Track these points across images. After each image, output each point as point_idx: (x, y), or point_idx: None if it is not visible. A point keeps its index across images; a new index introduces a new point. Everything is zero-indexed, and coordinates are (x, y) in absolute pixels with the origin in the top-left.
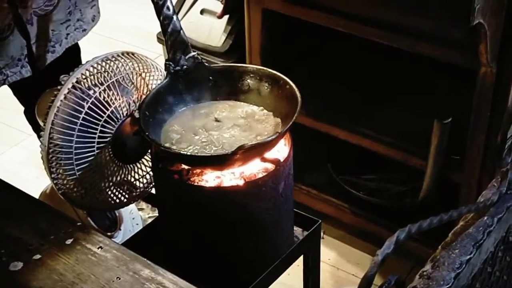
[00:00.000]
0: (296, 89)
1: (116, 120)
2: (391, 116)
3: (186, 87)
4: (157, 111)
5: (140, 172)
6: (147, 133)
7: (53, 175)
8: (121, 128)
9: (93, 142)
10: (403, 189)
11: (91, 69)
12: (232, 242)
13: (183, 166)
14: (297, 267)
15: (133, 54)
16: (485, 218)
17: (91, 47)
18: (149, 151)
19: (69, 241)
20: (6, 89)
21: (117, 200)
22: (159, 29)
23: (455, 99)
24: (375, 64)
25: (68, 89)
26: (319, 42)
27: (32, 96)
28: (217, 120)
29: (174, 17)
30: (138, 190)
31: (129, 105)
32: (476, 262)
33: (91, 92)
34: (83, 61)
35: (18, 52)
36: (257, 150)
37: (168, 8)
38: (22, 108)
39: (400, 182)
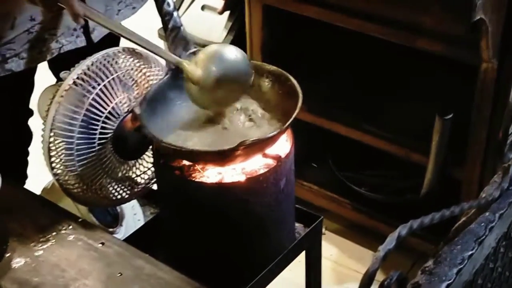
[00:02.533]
0: (297, 85)
1: (117, 116)
2: (392, 112)
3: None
4: (158, 107)
5: (141, 168)
6: (148, 129)
7: (54, 171)
8: (122, 124)
9: (94, 138)
10: (405, 185)
11: (92, 65)
12: (234, 238)
13: (184, 162)
14: (299, 263)
15: (134, 50)
16: (487, 214)
17: None
18: (150, 147)
19: (71, 237)
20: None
21: (119, 196)
22: (160, 25)
23: (456, 95)
24: (376, 60)
25: (69, 85)
26: (320, 38)
27: (67, 69)
28: (218, 116)
29: (175, 13)
30: (140, 186)
31: (130, 101)
32: (478, 258)
33: (92, 88)
34: (84, 58)
35: (73, 22)
36: (258, 146)
37: (168, 4)
38: None
39: (402, 178)
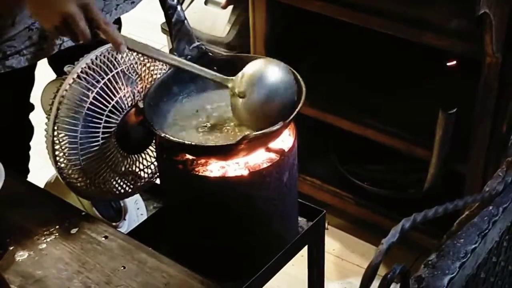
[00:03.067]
0: (300, 79)
1: (121, 110)
2: (395, 107)
3: (190, 77)
4: (161, 101)
5: (144, 162)
6: (151, 123)
7: (58, 165)
8: (126, 118)
9: (98, 132)
10: (408, 180)
11: (96, 59)
12: (236, 232)
13: (188, 156)
14: (302, 257)
15: None
16: (490, 207)
17: None
18: (154, 141)
19: (74, 231)
20: None
21: (122, 190)
22: (164, 19)
23: (460, 89)
24: (379, 54)
25: (73, 79)
26: (324, 32)
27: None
28: (222, 110)
29: (178, 7)
30: (143, 180)
31: (133, 95)
32: (481, 251)
33: (96, 82)
34: (87, 53)
35: None
36: (261, 140)
37: None
38: None
39: (405, 173)
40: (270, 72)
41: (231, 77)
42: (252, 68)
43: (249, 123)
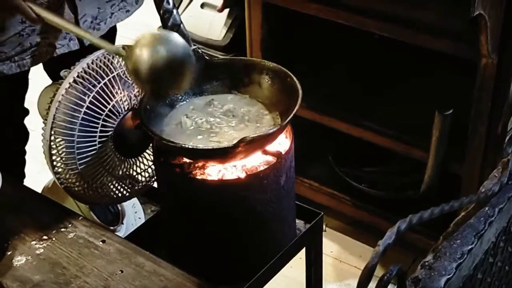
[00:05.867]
0: (297, 82)
1: (117, 114)
2: (392, 108)
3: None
4: (158, 104)
5: (142, 166)
6: (148, 127)
7: (55, 170)
8: (123, 122)
9: (95, 136)
10: (405, 181)
11: (92, 63)
12: (234, 235)
13: (185, 159)
14: (300, 259)
15: None
16: (486, 208)
17: None
18: (151, 145)
19: (71, 235)
20: None
21: (119, 194)
22: (160, 23)
23: (456, 90)
24: (375, 57)
25: (70, 83)
26: (320, 35)
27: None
28: (218, 113)
29: (174, 11)
30: (140, 184)
31: (130, 99)
32: (477, 252)
33: (92, 86)
34: (78, 59)
35: None
36: (258, 143)
37: (168, 2)
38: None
39: (402, 174)
40: (163, 38)
41: (125, 46)
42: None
43: (148, 88)
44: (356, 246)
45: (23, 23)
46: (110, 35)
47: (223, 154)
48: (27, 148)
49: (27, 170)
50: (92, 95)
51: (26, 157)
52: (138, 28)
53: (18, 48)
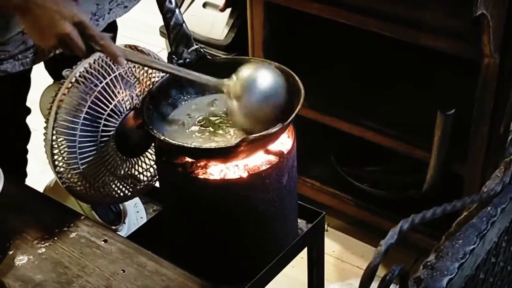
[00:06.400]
0: (299, 81)
1: (119, 114)
2: (394, 108)
3: (189, 80)
4: (160, 104)
5: (144, 165)
6: (150, 127)
7: (57, 169)
8: (125, 122)
9: (97, 136)
10: (407, 181)
11: (94, 63)
12: (236, 235)
13: (187, 159)
14: (301, 259)
15: (136, 47)
16: (489, 208)
17: None
18: (153, 144)
19: (73, 235)
20: None
21: (121, 194)
22: (162, 23)
23: (458, 90)
24: (377, 56)
25: (71, 83)
26: (322, 34)
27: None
28: (220, 113)
29: (177, 10)
30: (142, 184)
31: (132, 98)
32: (480, 252)
33: (94, 86)
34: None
35: None
36: (260, 142)
37: (170, 1)
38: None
39: (404, 174)
40: (263, 74)
41: (225, 81)
42: (246, 71)
43: (246, 125)
44: (358, 246)
45: None
46: (111, 32)
47: (225, 154)
48: (29, 147)
49: (29, 169)
50: (94, 94)
51: (28, 156)
52: (140, 27)
53: (22, 46)
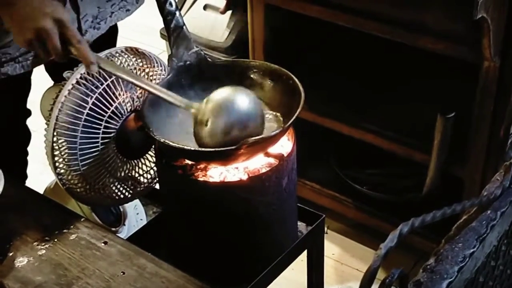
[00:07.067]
0: (299, 84)
1: (120, 116)
2: (394, 111)
3: (189, 82)
4: (160, 106)
5: (144, 167)
6: (151, 129)
7: (57, 171)
8: (125, 124)
9: (97, 138)
10: (407, 184)
11: None
12: (236, 237)
13: (187, 161)
14: (301, 262)
15: (136, 49)
16: (488, 212)
17: None
18: (153, 146)
19: (73, 236)
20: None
21: (121, 196)
22: (162, 25)
23: (458, 93)
24: (378, 59)
25: (73, 84)
26: (322, 37)
27: (64, 71)
28: None
29: (177, 12)
30: (142, 186)
31: (133, 100)
32: (479, 256)
33: (95, 88)
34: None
35: None
36: (260, 145)
37: (170, 3)
38: None
39: (404, 177)
40: (235, 101)
41: (195, 105)
42: (217, 96)
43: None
44: (358, 249)
45: None
46: (111, 35)
47: (225, 156)
48: (29, 149)
49: (29, 171)
50: (94, 96)
51: (28, 158)
52: (141, 29)
53: (22, 49)
